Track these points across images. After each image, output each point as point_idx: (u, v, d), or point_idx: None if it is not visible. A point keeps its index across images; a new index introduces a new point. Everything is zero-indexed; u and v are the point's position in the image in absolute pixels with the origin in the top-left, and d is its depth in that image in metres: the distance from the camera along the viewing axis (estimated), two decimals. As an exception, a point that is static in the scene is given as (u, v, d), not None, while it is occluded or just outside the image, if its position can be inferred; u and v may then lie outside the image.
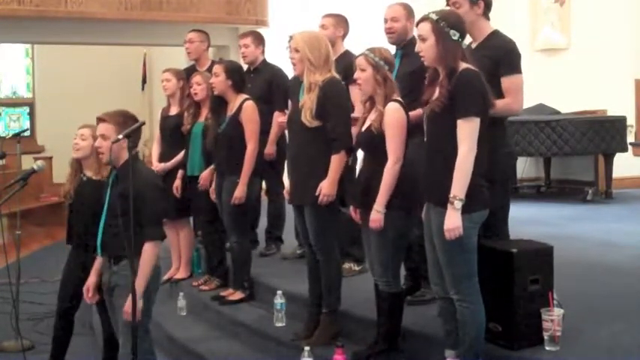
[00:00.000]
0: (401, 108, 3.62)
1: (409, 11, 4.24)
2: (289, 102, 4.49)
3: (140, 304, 3.43)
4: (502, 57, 3.54)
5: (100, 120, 3.67)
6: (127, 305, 3.46)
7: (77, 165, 4.32)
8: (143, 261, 3.48)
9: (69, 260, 4.40)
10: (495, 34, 3.71)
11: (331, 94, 3.92)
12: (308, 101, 3.94)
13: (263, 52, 5.76)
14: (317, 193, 3.91)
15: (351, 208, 3.82)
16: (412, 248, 3.95)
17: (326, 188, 3.91)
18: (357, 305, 4.19)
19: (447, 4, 3.71)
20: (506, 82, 3.48)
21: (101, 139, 3.62)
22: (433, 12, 3.23)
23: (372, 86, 3.63)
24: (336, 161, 3.92)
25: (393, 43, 4.24)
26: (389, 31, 4.24)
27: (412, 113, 3.69)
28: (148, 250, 3.48)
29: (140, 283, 3.46)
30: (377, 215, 3.54)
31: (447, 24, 3.16)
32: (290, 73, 4.53)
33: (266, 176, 5.41)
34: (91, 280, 3.84)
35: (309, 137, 3.96)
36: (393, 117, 3.59)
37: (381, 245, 3.62)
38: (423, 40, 3.21)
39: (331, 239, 4.06)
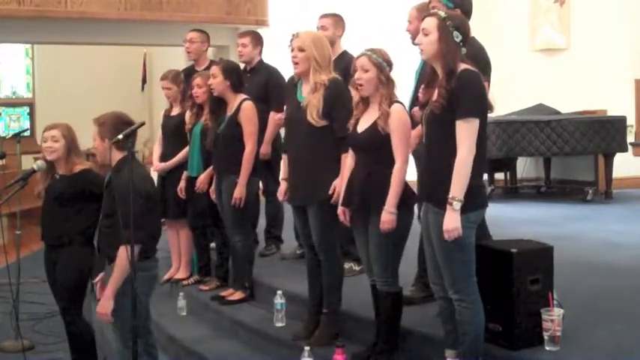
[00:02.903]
0: (405, 109, 3.63)
1: (422, 11, 4.18)
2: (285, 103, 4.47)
3: (111, 304, 3.51)
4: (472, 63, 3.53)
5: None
6: (99, 306, 3.56)
7: (49, 165, 4.35)
8: (116, 263, 3.53)
9: (45, 260, 4.42)
10: (470, 41, 3.70)
11: (338, 94, 3.92)
12: (314, 100, 3.93)
13: (260, 52, 5.76)
14: (331, 192, 3.90)
15: (340, 208, 3.80)
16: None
17: (340, 187, 3.90)
18: (357, 305, 4.18)
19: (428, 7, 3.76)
20: None
21: (93, 140, 3.69)
22: (442, 11, 3.27)
23: (375, 86, 3.62)
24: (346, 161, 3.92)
25: (413, 44, 4.25)
26: (408, 33, 4.25)
27: (413, 133, 3.70)
28: (120, 253, 3.49)
29: (110, 285, 3.53)
30: (389, 216, 3.52)
31: (452, 24, 3.17)
32: (286, 73, 4.52)
33: (262, 176, 5.42)
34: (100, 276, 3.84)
35: (313, 137, 3.95)
36: (401, 118, 3.59)
37: (381, 245, 3.61)
38: (426, 34, 3.21)
39: (334, 239, 4.06)
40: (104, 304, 3.54)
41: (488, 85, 3.66)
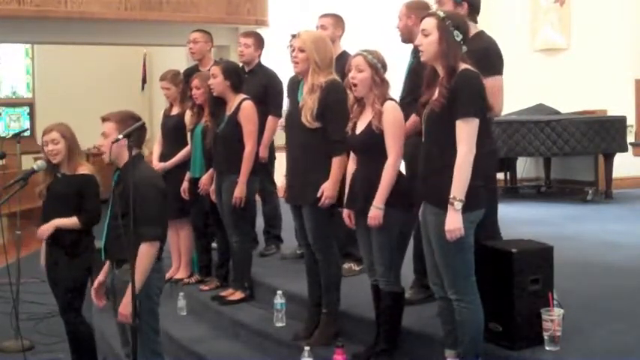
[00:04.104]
0: (398, 106, 3.63)
1: (409, 9, 4.18)
2: (286, 103, 4.47)
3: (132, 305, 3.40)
4: (481, 58, 3.51)
5: (103, 119, 3.66)
6: (121, 307, 3.45)
7: (52, 166, 4.34)
8: (138, 262, 3.37)
9: (46, 259, 4.41)
10: (478, 36, 3.70)
11: (333, 97, 3.90)
12: (309, 102, 3.92)
13: (260, 55, 5.76)
14: (319, 195, 3.91)
15: (345, 212, 3.80)
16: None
17: (328, 190, 3.90)
18: (357, 305, 4.18)
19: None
20: (485, 83, 3.48)
21: (103, 138, 3.61)
22: (440, 10, 3.25)
23: (369, 87, 3.61)
24: (338, 163, 3.91)
25: (402, 42, 4.26)
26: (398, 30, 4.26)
27: (408, 122, 3.70)
28: (142, 250, 3.39)
29: (131, 287, 3.39)
30: (377, 212, 3.53)
31: (452, 23, 3.17)
32: (285, 73, 4.52)
33: (259, 177, 5.41)
34: (97, 280, 3.79)
35: (308, 138, 3.95)
36: (393, 115, 3.59)
37: (383, 245, 3.61)
38: (426, 35, 3.20)
39: (330, 239, 4.06)
40: (127, 305, 3.41)
41: (502, 79, 3.65)
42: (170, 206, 5.32)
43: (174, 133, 5.55)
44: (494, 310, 3.36)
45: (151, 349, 3.56)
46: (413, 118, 3.70)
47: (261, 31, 6.42)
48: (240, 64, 5.59)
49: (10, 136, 7.42)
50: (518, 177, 9.10)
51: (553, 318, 3.34)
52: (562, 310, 3.40)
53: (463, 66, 3.16)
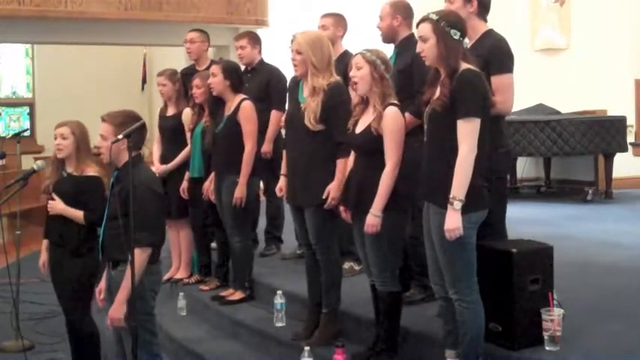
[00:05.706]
0: (400, 112, 3.62)
1: (395, 9, 4.18)
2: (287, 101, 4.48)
3: (123, 308, 3.40)
4: (491, 56, 3.52)
5: (101, 120, 3.66)
6: (111, 310, 3.45)
7: (59, 162, 4.30)
8: (129, 266, 3.34)
9: (50, 259, 4.37)
10: (489, 34, 3.70)
11: (337, 99, 3.90)
12: (312, 104, 3.91)
13: (260, 52, 5.75)
14: (324, 196, 3.91)
15: (342, 207, 3.81)
16: (405, 248, 3.96)
17: (334, 191, 3.89)
18: (357, 305, 4.19)
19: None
20: (495, 81, 3.48)
21: (101, 139, 3.61)
22: (433, 12, 3.24)
23: (369, 84, 3.61)
24: (343, 165, 3.90)
25: (383, 42, 4.25)
26: (379, 30, 4.25)
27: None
28: (135, 255, 3.33)
29: (123, 290, 3.41)
30: (374, 219, 3.53)
31: (447, 23, 3.16)
32: (288, 72, 4.53)
33: (263, 176, 5.41)
34: (102, 284, 3.76)
35: (311, 140, 3.95)
36: (394, 121, 3.58)
37: (376, 246, 3.61)
38: (424, 40, 3.21)
39: (331, 239, 4.06)
40: (117, 309, 3.43)
41: (512, 77, 3.64)
42: (171, 206, 5.37)
43: (172, 134, 5.54)
44: (494, 310, 3.36)
45: (147, 350, 3.55)
46: (407, 117, 3.71)
47: (261, 31, 6.42)
48: (243, 66, 5.58)
49: (10, 136, 7.42)
50: (518, 177, 9.11)
51: (553, 318, 3.34)
52: (562, 310, 3.40)
53: (465, 66, 3.16)
